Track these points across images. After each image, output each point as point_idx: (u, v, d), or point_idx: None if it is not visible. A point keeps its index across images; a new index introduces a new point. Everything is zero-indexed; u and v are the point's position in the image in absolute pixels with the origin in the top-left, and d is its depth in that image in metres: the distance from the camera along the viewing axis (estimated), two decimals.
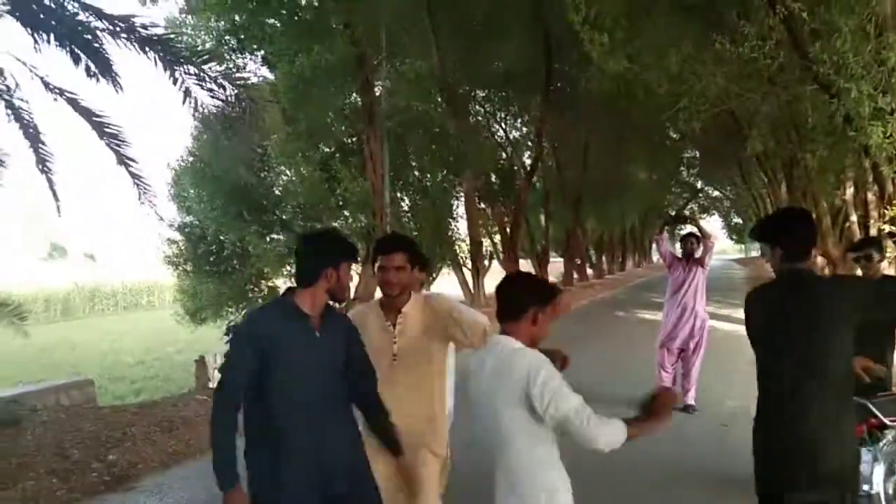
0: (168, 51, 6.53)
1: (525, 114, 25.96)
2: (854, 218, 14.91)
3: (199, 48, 14.41)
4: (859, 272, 4.64)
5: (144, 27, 6.36)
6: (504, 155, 25.90)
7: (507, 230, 23.48)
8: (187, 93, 6.61)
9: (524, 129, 27.41)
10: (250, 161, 15.49)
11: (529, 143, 25.79)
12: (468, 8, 18.64)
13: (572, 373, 2.56)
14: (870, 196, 12.49)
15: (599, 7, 9.96)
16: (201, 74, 6.86)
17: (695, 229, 7.45)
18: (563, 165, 28.64)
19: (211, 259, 17.01)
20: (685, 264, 6.97)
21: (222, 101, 7.42)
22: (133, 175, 7.23)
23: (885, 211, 9.49)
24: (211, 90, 7.06)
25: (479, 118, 24.75)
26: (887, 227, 9.44)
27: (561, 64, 19.61)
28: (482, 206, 23.29)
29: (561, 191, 28.14)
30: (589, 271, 35.54)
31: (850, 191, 15.08)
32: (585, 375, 8.50)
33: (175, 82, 6.51)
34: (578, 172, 28.06)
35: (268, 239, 16.09)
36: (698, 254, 6.99)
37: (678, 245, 7.42)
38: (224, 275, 16.78)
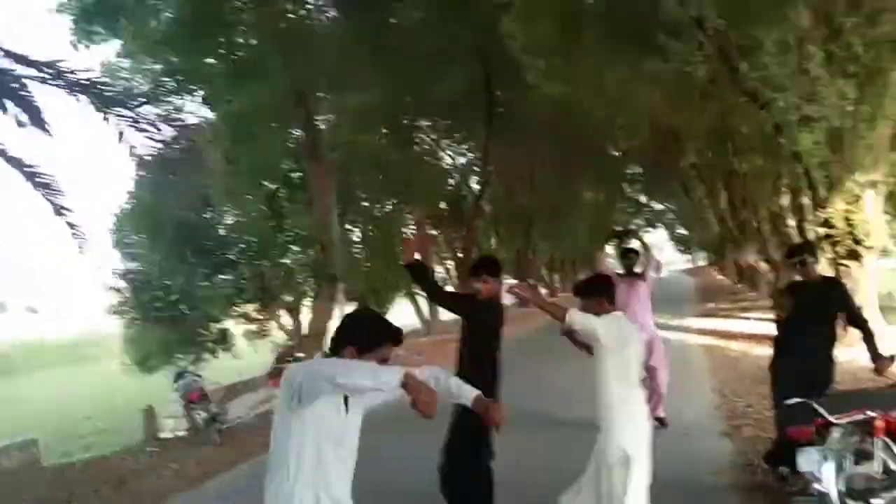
0: (99, 94, 6.38)
1: (470, 140, 26.22)
2: (792, 222, 15.41)
3: (135, 90, 14.21)
4: (797, 277, 4.79)
5: (72, 71, 6.20)
6: (452, 181, 26.07)
7: (460, 255, 23.57)
8: (121, 135, 6.45)
9: (470, 154, 27.67)
10: (192, 202, 15.21)
11: (476, 169, 26.03)
12: (407, 39, 18.84)
13: (533, 397, 2.58)
14: (805, 200, 12.95)
15: (535, 33, 10.19)
16: (136, 117, 6.72)
17: (635, 244, 7.40)
18: (511, 188, 28.96)
19: (157, 305, 16.52)
20: (628, 281, 6.71)
21: (160, 142, 7.29)
22: (70, 225, 6.99)
23: (819, 214, 9.85)
24: (146, 132, 6.93)
25: (426, 146, 24.91)
26: (822, 230, 9.81)
27: (502, 89, 19.90)
28: (433, 232, 23.33)
29: (510, 213, 28.43)
30: (542, 290, 35.83)
31: (786, 197, 15.60)
32: (545, 399, 8.54)
33: (107, 123, 6.35)
34: (526, 194, 28.42)
35: (214, 281, 15.75)
36: (639, 269, 6.86)
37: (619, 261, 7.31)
38: (172, 321, 16.31)
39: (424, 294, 4.65)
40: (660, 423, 6.50)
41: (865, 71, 8.65)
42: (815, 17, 8.82)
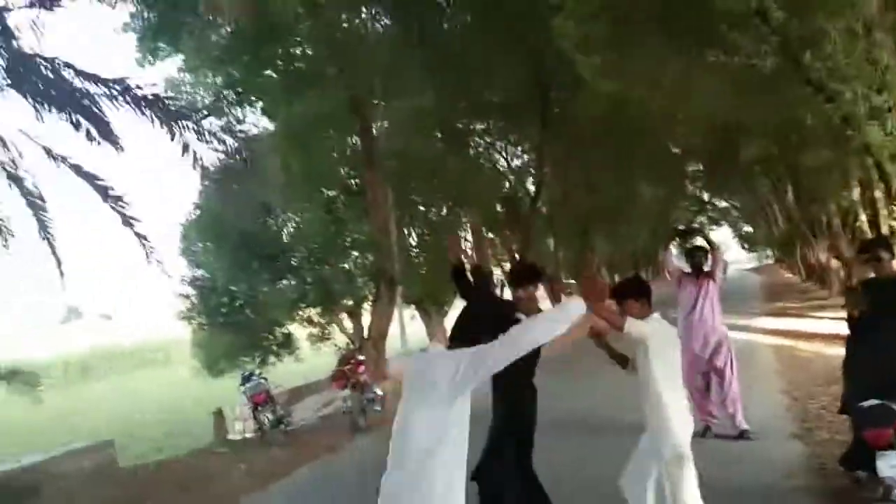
0: (164, 108, 6.65)
1: (525, 141, 26.08)
2: (864, 217, 14.78)
3: (198, 104, 14.71)
4: (872, 274, 4.59)
5: (139, 87, 6.49)
6: (507, 184, 25.97)
7: (517, 257, 23.46)
8: (185, 147, 6.70)
9: (525, 156, 27.52)
10: (255, 210, 15.61)
11: (532, 170, 25.87)
12: (459, 42, 18.91)
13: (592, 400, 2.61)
14: (877, 194, 12.41)
15: (588, 30, 10.06)
16: (200, 129, 6.98)
17: (702, 242, 7.11)
18: (568, 189, 28.65)
19: (223, 311, 17.01)
20: (695, 280, 6.49)
21: (223, 153, 7.55)
22: (138, 235, 7.29)
23: (894, 208, 9.42)
24: (211, 144, 7.19)
25: (480, 149, 24.91)
26: None
27: (556, 89, 19.73)
28: (490, 235, 23.29)
29: (567, 214, 28.10)
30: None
31: (856, 191, 14.98)
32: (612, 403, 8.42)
33: (172, 138, 6.61)
34: (583, 195, 28.05)
35: (278, 286, 16.10)
36: (707, 267, 6.60)
37: (685, 260, 7.05)
38: (237, 325, 16.76)
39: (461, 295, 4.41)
40: (742, 437, 6.23)
41: None
42: (885, 2, 8.43)
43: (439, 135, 18.35)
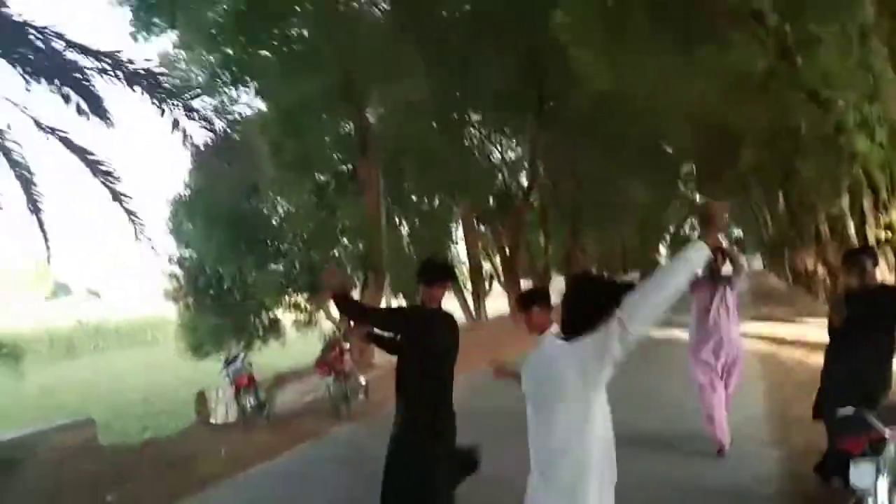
0: (155, 85, 6.55)
1: (519, 135, 26.04)
2: (851, 225, 14.84)
3: (192, 82, 14.55)
4: (856, 283, 4.58)
5: (131, 62, 6.38)
6: (500, 176, 25.93)
7: (507, 251, 23.48)
8: (175, 124, 6.60)
9: (519, 149, 27.49)
10: (246, 192, 15.50)
11: (525, 164, 25.84)
12: (457, 31, 18.83)
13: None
14: (866, 203, 12.46)
15: (585, 26, 10.03)
16: (190, 107, 6.88)
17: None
18: (560, 184, 28.65)
19: (210, 292, 16.91)
20: (711, 282, 5.95)
21: (213, 133, 7.46)
22: (128, 211, 7.20)
23: (881, 217, 9.46)
24: (200, 122, 7.09)
25: (474, 140, 24.86)
26: (883, 234, 9.41)
27: (551, 83, 19.68)
28: (481, 228, 23.27)
29: (559, 210, 28.10)
30: None
31: (846, 199, 15.03)
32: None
33: (162, 114, 6.51)
34: (575, 191, 28.07)
35: (266, 270, 16.00)
36: (724, 271, 6.05)
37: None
38: (224, 308, 16.66)
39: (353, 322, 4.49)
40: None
41: None
42: (881, 9, 8.42)
43: (434, 124, 18.26)
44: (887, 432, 3.44)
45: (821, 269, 19.43)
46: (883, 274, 8.97)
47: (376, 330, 4.19)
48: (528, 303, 3.57)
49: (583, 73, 10.59)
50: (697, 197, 44.14)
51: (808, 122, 10.56)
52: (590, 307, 2.36)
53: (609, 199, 29.74)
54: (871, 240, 10.34)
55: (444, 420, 3.82)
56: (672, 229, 56.93)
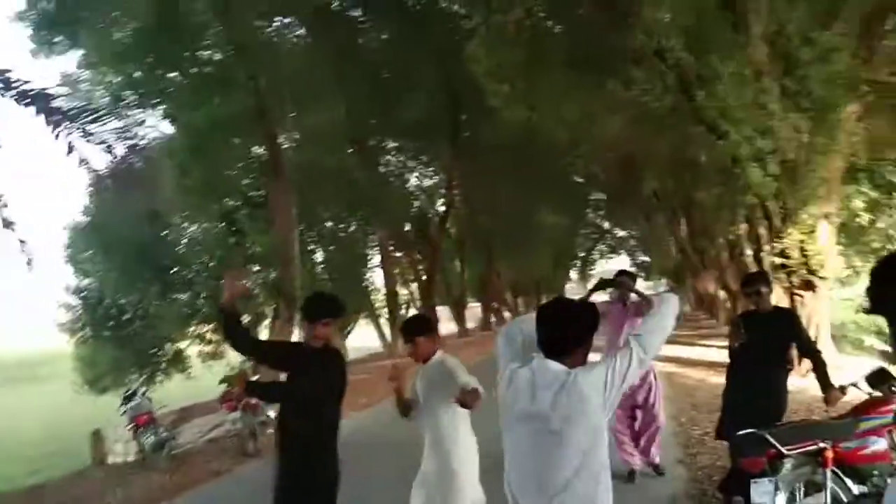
0: (49, 105, 6.17)
1: (436, 162, 26.29)
2: (749, 252, 15.66)
3: (93, 103, 13.89)
4: (752, 307, 4.81)
5: (25, 81, 6.00)
6: (417, 203, 26.04)
7: (424, 277, 23.50)
8: (70, 148, 6.23)
9: (436, 177, 27.74)
10: (149, 219, 14.85)
11: (442, 191, 26.07)
12: (375, 59, 18.89)
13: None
14: (761, 230, 13.18)
15: (500, 59, 10.25)
16: (87, 130, 6.52)
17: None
18: (476, 212, 29.06)
19: (110, 324, 16.05)
20: (621, 307, 5.88)
21: (114, 157, 7.10)
22: (20, 240, 6.70)
23: (775, 244, 10.01)
24: (101, 146, 6.73)
25: (392, 168, 24.91)
26: (777, 260, 9.96)
27: (468, 113, 20.02)
28: (397, 254, 23.21)
29: (475, 237, 28.45)
30: (506, 314, 35.93)
31: (743, 226, 15.86)
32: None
33: (56, 137, 6.13)
34: (491, 218, 28.54)
35: (170, 300, 15.33)
36: (634, 298, 5.90)
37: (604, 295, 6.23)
38: (125, 339, 15.83)
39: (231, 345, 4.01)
40: (657, 471, 5.99)
41: (819, 106, 8.86)
42: (772, 52, 9.03)
43: (350, 150, 18.16)
44: (784, 451, 3.58)
45: (721, 293, 20.40)
46: (778, 298, 9.46)
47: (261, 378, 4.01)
48: (414, 332, 3.53)
49: (497, 104, 10.78)
50: (606, 224, 45.78)
51: (707, 154, 11.13)
52: (578, 329, 2.45)
53: (523, 227, 30.40)
54: (767, 265, 10.92)
55: (324, 469, 3.54)
56: (582, 255, 58.65)
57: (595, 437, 2.36)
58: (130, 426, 9.18)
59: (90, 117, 6.85)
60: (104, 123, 6.86)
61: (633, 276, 6.13)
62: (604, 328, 6.05)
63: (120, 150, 6.74)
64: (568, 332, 2.45)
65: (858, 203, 13.43)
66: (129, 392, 9.98)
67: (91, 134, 6.64)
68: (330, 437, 3.59)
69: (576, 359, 2.41)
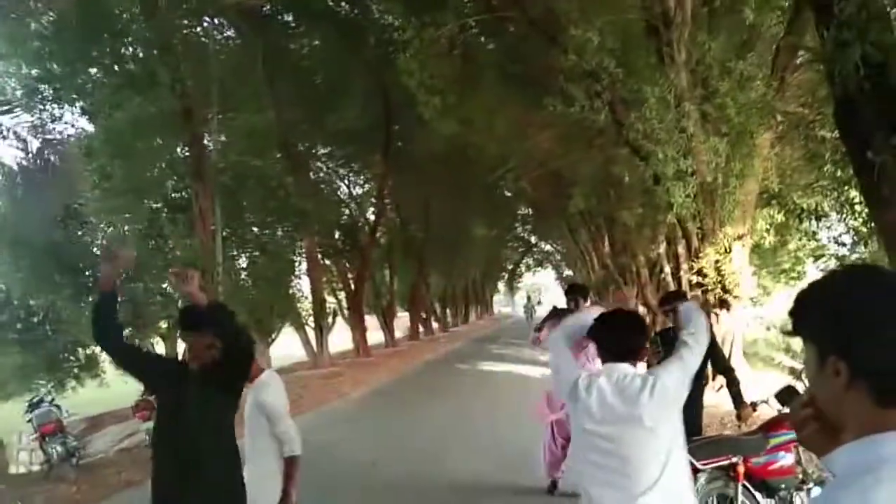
0: None
1: (367, 171, 26.22)
2: (668, 270, 16.22)
3: (6, 96, 13.24)
4: (669, 324, 4.99)
5: None
6: (347, 211, 25.87)
7: (352, 286, 23.32)
8: None
9: (367, 185, 27.67)
10: (62, 218, 14.18)
11: (373, 200, 26.01)
12: (308, 64, 18.73)
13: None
14: (680, 250, 13.68)
15: (432, 71, 10.37)
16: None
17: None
18: (407, 221, 29.14)
19: (17, 326, 15.18)
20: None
21: (25, 153, 6.79)
22: None
23: (693, 263, 10.43)
24: (9, 140, 6.43)
25: (322, 174, 24.68)
26: (695, 278, 10.37)
27: (401, 123, 20.08)
28: (325, 262, 22.95)
29: (404, 246, 28.49)
30: (434, 324, 36.04)
31: (663, 245, 16.44)
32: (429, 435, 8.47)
33: None
34: (421, 228, 28.64)
35: (83, 303, 14.61)
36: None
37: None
38: (33, 344, 14.98)
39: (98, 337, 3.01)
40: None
41: (736, 131, 9.32)
42: (693, 79, 9.48)
43: (278, 155, 17.89)
44: (698, 465, 3.75)
45: (641, 309, 21.05)
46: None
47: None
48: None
49: (428, 116, 10.87)
50: (533, 238, 46.65)
51: (631, 173, 11.51)
52: (643, 335, 2.77)
53: (453, 238, 30.67)
54: (685, 284, 11.32)
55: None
56: (510, 267, 59.54)
57: (678, 436, 2.61)
58: (36, 435, 8.76)
59: (2, 109, 6.55)
60: (16, 116, 6.58)
61: (584, 290, 6.15)
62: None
63: (34, 144, 6.45)
64: (639, 339, 2.73)
65: (768, 225, 14.16)
66: (35, 400, 9.53)
67: (1, 127, 6.35)
68: (204, 468, 3.03)
69: (639, 362, 2.71)
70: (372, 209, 26.13)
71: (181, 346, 14.28)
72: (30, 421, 8.97)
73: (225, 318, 3.02)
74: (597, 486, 2.57)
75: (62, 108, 14.63)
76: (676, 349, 2.64)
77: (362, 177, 27.39)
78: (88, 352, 15.60)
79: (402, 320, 31.46)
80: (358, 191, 27.92)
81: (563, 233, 32.69)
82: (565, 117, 10.10)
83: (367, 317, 24.21)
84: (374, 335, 25.47)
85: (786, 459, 4.06)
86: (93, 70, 13.56)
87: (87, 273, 14.86)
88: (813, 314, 1.07)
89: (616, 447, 2.53)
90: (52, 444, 8.68)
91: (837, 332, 1.00)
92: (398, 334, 29.09)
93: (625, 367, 2.62)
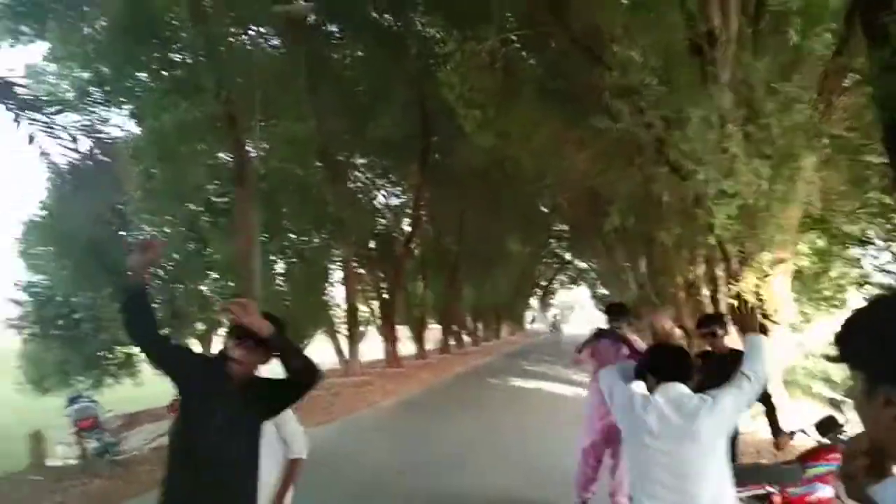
0: (12, 95, 6.05)
1: (404, 182, 26.37)
2: (706, 292, 15.92)
3: (58, 97, 13.64)
4: (708, 347, 4.89)
5: None
6: (383, 221, 26.02)
7: (385, 296, 23.39)
8: (31, 139, 6.10)
9: (403, 196, 27.80)
10: (108, 218, 14.52)
11: (408, 211, 26.12)
12: (349, 75, 18.95)
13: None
14: (719, 272, 13.41)
15: (473, 84, 10.39)
16: (51, 123, 6.40)
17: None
18: (441, 234, 29.18)
19: (59, 323, 15.54)
20: (612, 340, 5.52)
21: (76, 153, 6.96)
22: None
23: (731, 287, 10.21)
24: (61, 140, 6.60)
25: (359, 183, 24.89)
26: (734, 302, 10.14)
27: (438, 135, 20.18)
28: (360, 271, 23.09)
29: (438, 258, 28.52)
30: (466, 338, 35.93)
31: (701, 267, 16.15)
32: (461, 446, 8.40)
33: (18, 126, 6.01)
34: (455, 241, 28.65)
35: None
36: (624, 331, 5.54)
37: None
38: (74, 340, 15.33)
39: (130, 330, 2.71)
40: None
41: (780, 154, 9.12)
42: (737, 99, 9.32)
43: (319, 163, 18.10)
44: (735, 493, 3.64)
45: (678, 332, 20.68)
46: (733, 340, 9.60)
47: None
48: None
49: (467, 129, 10.89)
50: (568, 255, 46.27)
51: (671, 192, 11.35)
52: (686, 359, 3.02)
53: (487, 251, 30.58)
54: (723, 307, 11.08)
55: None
56: (544, 284, 59.14)
57: (730, 451, 2.75)
58: (74, 430, 8.93)
59: (54, 109, 6.74)
60: (68, 117, 6.76)
61: (626, 311, 5.91)
62: (595, 361, 5.93)
63: (84, 145, 6.62)
64: (690, 360, 2.97)
65: (810, 251, 13.79)
66: (74, 395, 9.72)
67: (54, 126, 6.52)
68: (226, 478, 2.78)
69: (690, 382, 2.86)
70: (407, 220, 26.25)
71: (216, 348, 14.48)
72: (68, 416, 9.14)
73: (291, 350, 2.76)
74: (652, 500, 2.61)
75: (110, 110, 15.10)
76: (737, 379, 2.77)
77: (399, 187, 27.54)
78: (126, 350, 15.90)
79: (433, 332, 31.43)
80: (394, 201, 28.09)
81: (598, 251, 32.43)
82: (606, 134, 10.01)
83: (398, 327, 24.25)
84: (406, 346, 25.47)
85: (823, 492, 3.91)
86: (141, 74, 13.94)
87: (127, 273, 15.17)
88: (860, 340, 1.03)
89: (673, 462, 2.59)
90: (89, 439, 8.85)
91: (888, 361, 0.95)
92: (429, 346, 29.06)
93: (680, 386, 2.74)
